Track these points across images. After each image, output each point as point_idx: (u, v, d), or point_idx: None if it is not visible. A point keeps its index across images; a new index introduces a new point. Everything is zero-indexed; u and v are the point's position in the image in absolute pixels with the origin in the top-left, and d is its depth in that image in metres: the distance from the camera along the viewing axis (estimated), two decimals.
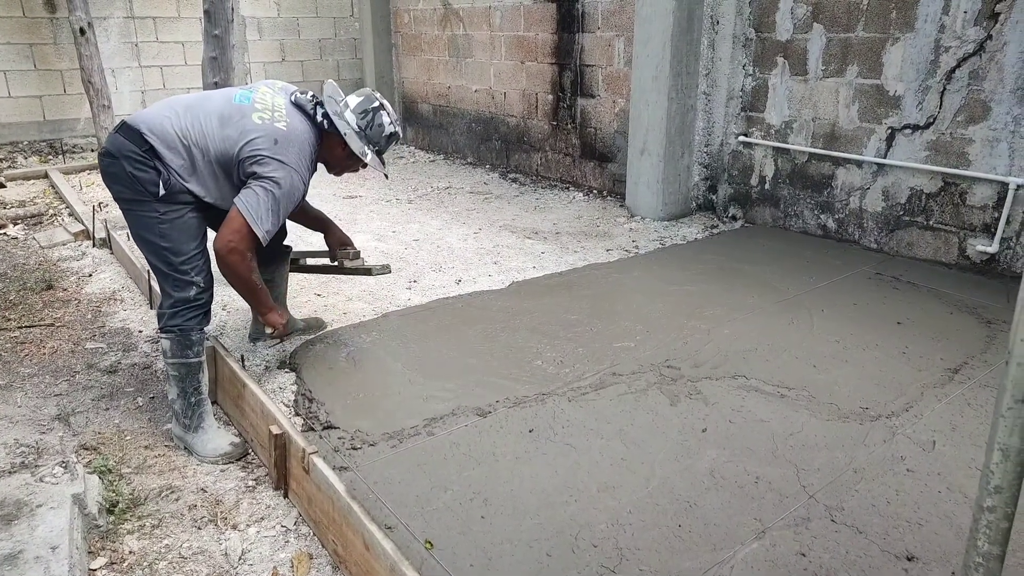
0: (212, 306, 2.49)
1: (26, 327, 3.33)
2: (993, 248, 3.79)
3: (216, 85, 3.90)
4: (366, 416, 2.47)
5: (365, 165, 2.66)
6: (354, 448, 2.29)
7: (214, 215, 2.57)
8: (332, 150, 2.56)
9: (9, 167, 6.42)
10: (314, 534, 2.07)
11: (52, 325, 3.37)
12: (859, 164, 4.32)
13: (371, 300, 3.58)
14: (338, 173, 2.69)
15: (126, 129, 2.30)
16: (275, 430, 2.22)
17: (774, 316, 3.31)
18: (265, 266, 2.97)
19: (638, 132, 5.03)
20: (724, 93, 4.91)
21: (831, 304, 3.45)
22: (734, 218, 5.03)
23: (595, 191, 5.89)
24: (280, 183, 2.32)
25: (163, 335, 2.39)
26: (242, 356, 2.80)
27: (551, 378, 2.73)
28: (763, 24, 4.63)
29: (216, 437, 2.45)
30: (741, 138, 4.89)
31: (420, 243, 4.53)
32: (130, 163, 2.26)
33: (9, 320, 3.39)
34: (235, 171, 2.36)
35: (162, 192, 2.28)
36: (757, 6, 4.63)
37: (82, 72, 6.32)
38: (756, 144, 4.83)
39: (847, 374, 2.77)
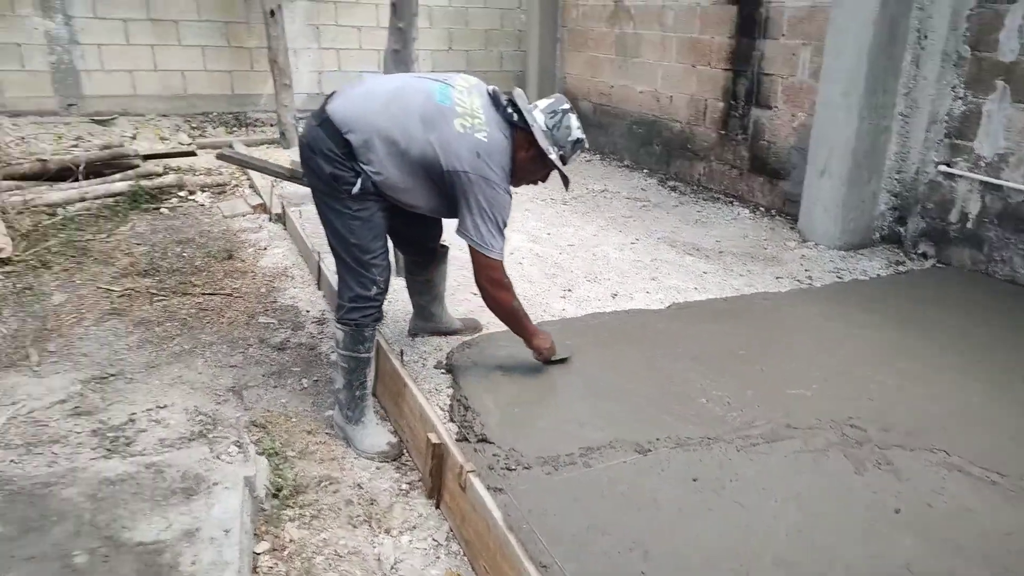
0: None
1: (208, 294, 3.56)
2: None
3: None
4: (521, 434, 2.40)
5: (548, 173, 2.60)
6: (509, 469, 2.23)
7: (401, 216, 2.58)
8: (518, 152, 2.49)
9: (200, 136, 6.97)
10: (464, 554, 2.03)
11: (231, 295, 3.58)
12: None
13: (526, 306, 3.50)
14: (518, 182, 2.60)
15: (328, 125, 2.29)
16: (434, 439, 2.21)
17: (980, 380, 2.90)
18: (424, 268, 2.99)
19: (820, 150, 4.63)
20: (926, 116, 4.41)
21: None
22: (924, 256, 4.52)
23: (762, 209, 5.53)
24: (492, 204, 2.37)
25: (339, 326, 2.43)
26: (401, 351, 2.82)
27: (717, 420, 2.54)
28: (982, 42, 4.10)
29: (375, 434, 2.48)
30: (942, 168, 4.38)
31: (575, 248, 4.42)
32: (328, 161, 2.28)
33: (195, 286, 3.63)
34: (438, 177, 2.37)
35: (356, 191, 2.30)
36: (976, 21, 4.10)
37: (269, 51, 6.73)
38: (960, 176, 4.30)
39: None
